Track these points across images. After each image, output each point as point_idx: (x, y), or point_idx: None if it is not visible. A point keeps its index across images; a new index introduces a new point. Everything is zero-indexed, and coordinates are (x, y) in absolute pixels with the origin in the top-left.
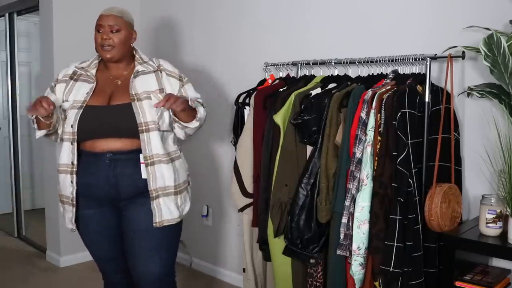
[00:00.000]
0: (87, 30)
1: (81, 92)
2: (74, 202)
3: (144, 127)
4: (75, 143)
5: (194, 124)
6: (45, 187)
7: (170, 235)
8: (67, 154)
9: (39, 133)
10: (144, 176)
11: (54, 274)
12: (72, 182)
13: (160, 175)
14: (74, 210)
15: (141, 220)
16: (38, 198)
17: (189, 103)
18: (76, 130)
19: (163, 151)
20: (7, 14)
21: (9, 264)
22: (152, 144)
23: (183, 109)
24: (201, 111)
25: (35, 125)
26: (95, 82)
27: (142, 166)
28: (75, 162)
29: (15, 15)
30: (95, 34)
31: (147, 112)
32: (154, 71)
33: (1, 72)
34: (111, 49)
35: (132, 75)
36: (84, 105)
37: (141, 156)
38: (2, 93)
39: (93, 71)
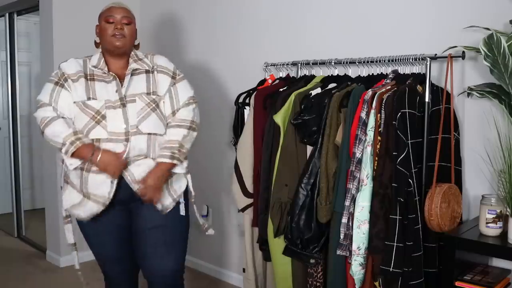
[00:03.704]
0: (87, 30)
1: (110, 90)
2: (107, 203)
3: (132, 132)
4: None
5: (182, 166)
6: (45, 187)
7: (182, 231)
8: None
9: (74, 162)
10: None
11: (54, 274)
12: (112, 182)
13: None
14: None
15: (156, 217)
16: (38, 198)
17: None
18: (129, 130)
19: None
20: (7, 14)
21: (9, 264)
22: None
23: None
24: (186, 146)
25: (68, 157)
26: (117, 78)
27: None
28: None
29: (15, 15)
30: (104, 25)
31: (130, 117)
32: (146, 71)
33: (1, 72)
34: (122, 37)
35: (126, 74)
36: (123, 102)
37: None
38: (2, 93)
39: (106, 69)
